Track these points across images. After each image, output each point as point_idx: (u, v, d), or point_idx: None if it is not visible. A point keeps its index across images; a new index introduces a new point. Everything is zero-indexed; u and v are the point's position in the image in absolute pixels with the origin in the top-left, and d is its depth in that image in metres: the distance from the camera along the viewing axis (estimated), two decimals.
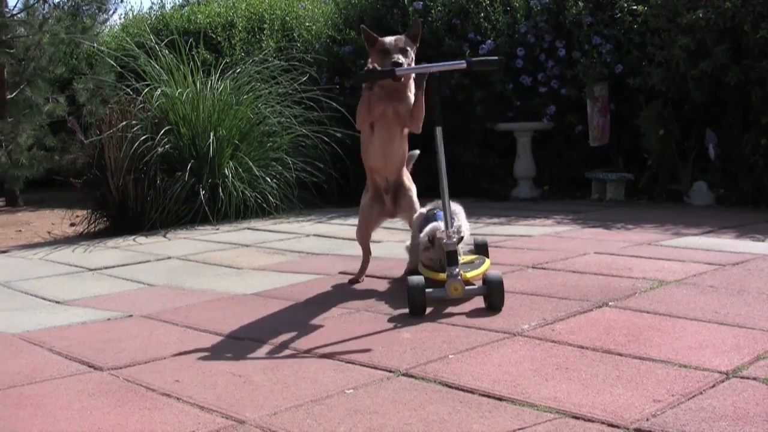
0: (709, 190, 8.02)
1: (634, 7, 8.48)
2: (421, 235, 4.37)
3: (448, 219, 3.99)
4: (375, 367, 3.13)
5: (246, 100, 8.60)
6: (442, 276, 4.04)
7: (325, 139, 8.70)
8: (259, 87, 8.90)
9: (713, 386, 2.75)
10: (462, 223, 4.50)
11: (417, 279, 3.94)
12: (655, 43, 8.17)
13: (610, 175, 8.63)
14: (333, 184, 9.06)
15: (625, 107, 8.82)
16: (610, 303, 3.94)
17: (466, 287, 3.98)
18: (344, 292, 4.60)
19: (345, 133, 8.56)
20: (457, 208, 4.55)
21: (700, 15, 7.65)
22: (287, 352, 3.44)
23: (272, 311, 4.21)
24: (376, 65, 4.42)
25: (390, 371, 3.07)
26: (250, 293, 4.68)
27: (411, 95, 4.52)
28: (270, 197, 8.14)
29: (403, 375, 3.03)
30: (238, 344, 3.60)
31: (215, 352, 3.49)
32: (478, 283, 4.06)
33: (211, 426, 2.62)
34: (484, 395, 2.78)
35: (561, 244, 5.84)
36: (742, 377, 2.84)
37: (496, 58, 4.13)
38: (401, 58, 4.36)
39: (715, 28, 7.63)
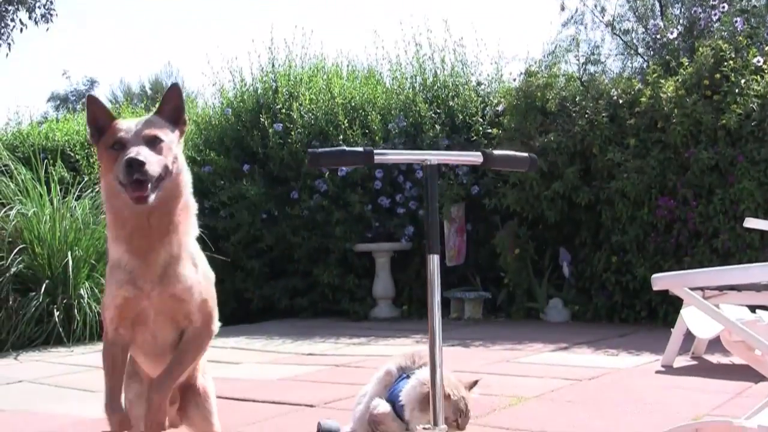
0: (565, 307, 8.25)
1: (489, 131, 8.77)
2: (405, 392, 3.17)
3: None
4: None
5: (104, 219, 8.43)
6: None
7: None
8: None
9: None
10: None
11: None
12: None
13: (468, 294, 8.77)
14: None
15: (482, 227, 9.05)
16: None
17: None
18: None
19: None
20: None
21: (552, 138, 7.99)
22: None
23: None
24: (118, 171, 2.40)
25: None
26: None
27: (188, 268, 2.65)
28: None
29: None
30: None
31: None
32: None
33: None
34: None
35: None
36: None
37: (525, 154, 2.76)
38: (146, 155, 2.37)
39: (566, 150, 7.98)
